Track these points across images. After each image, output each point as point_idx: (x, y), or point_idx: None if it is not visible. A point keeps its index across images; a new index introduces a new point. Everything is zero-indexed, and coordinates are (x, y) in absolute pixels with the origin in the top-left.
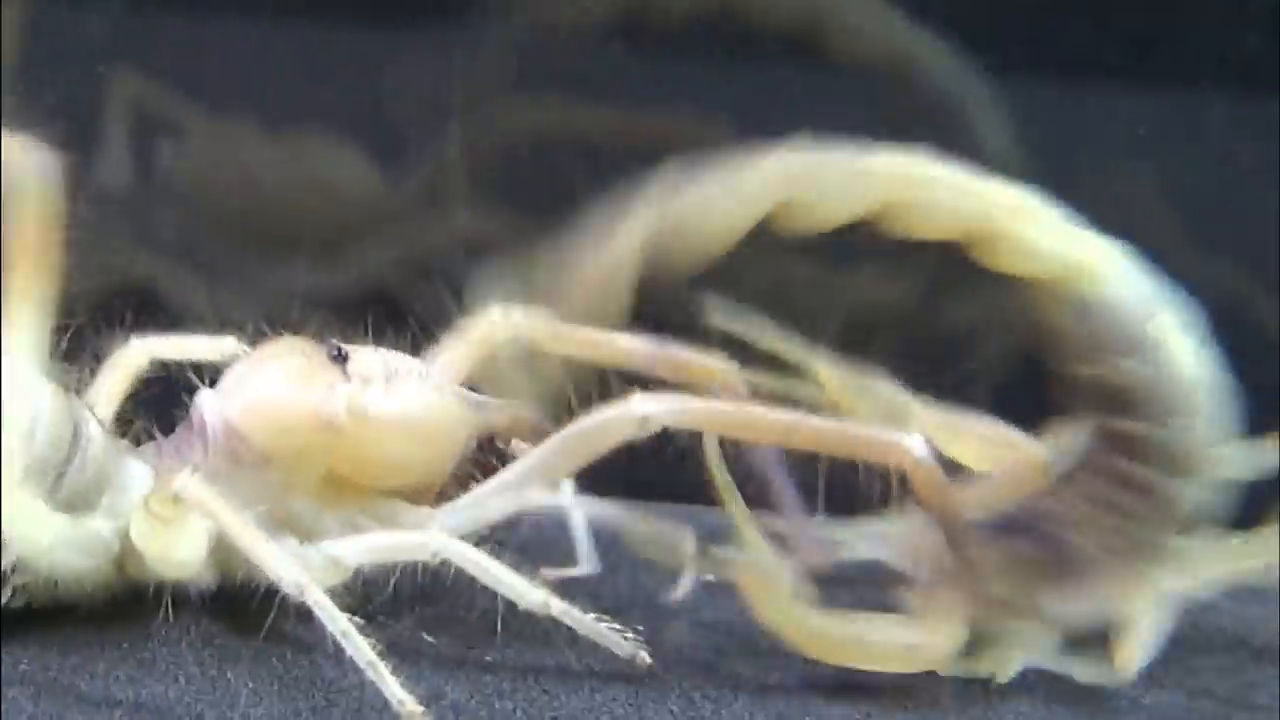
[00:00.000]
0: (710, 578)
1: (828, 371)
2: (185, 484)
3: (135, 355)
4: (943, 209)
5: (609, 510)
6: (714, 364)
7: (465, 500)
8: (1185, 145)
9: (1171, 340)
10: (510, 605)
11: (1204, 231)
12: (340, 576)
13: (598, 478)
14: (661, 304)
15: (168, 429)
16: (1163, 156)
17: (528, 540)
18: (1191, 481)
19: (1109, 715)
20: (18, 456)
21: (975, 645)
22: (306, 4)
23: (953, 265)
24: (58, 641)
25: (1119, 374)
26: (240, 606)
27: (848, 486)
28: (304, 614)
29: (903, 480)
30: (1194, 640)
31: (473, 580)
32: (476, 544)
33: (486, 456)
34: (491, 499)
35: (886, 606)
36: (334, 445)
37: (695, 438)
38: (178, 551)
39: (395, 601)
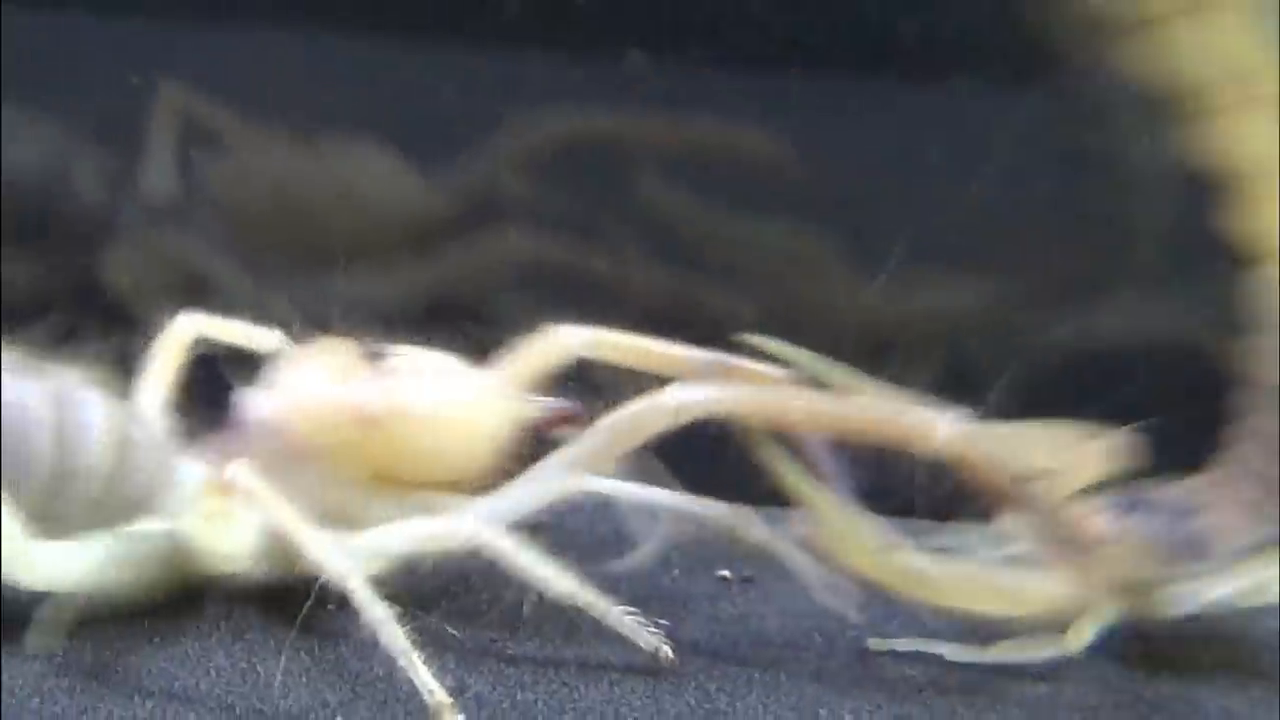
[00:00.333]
0: (727, 573)
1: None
2: (236, 472)
3: (183, 330)
4: None
5: (656, 495)
6: (769, 372)
7: (503, 491)
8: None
9: None
10: (532, 599)
11: None
12: (379, 567)
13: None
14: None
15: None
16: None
17: (565, 532)
18: None
19: (1113, 709)
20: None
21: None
22: (353, 13)
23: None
24: (91, 635)
25: None
26: (270, 600)
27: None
28: (334, 608)
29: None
30: (1198, 629)
31: (497, 574)
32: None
33: (533, 450)
34: (529, 489)
35: None
36: (373, 440)
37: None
38: (229, 544)
39: (420, 595)
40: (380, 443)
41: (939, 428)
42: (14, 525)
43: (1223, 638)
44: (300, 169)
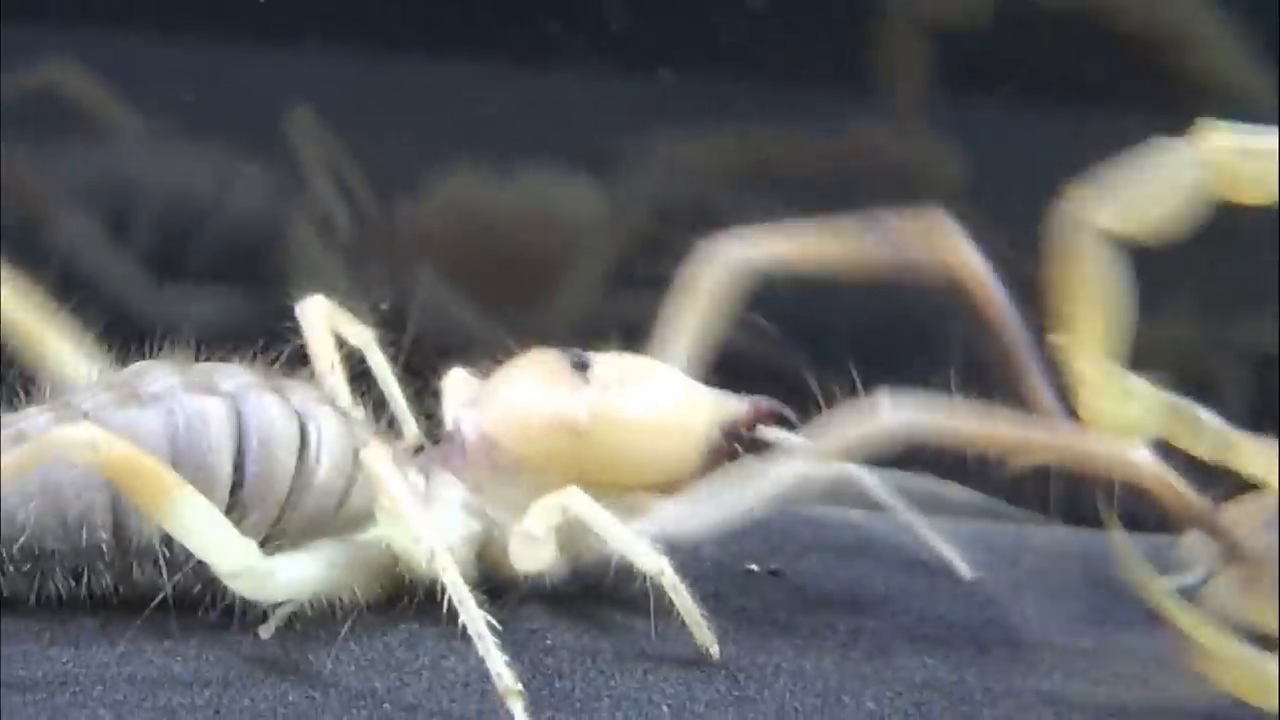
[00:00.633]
0: (754, 566)
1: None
2: (368, 454)
3: (315, 307)
4: None
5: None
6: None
7: (710, 489)
8: None
9: None
10: (568, 589)
11: None
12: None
13: None
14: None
15: None
16: None
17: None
18: None
19: (1118, 699)
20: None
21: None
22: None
23: None
24: (146, 631)
25: None
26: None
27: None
28: (376, 603)
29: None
30: None
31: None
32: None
33: (734, 446)
34: (737, 489)
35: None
36: (579, 448)
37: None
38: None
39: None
40: (590, 449)
41: (1135, 454)
42: (250, 546)
43: None
44: (492, 199)
